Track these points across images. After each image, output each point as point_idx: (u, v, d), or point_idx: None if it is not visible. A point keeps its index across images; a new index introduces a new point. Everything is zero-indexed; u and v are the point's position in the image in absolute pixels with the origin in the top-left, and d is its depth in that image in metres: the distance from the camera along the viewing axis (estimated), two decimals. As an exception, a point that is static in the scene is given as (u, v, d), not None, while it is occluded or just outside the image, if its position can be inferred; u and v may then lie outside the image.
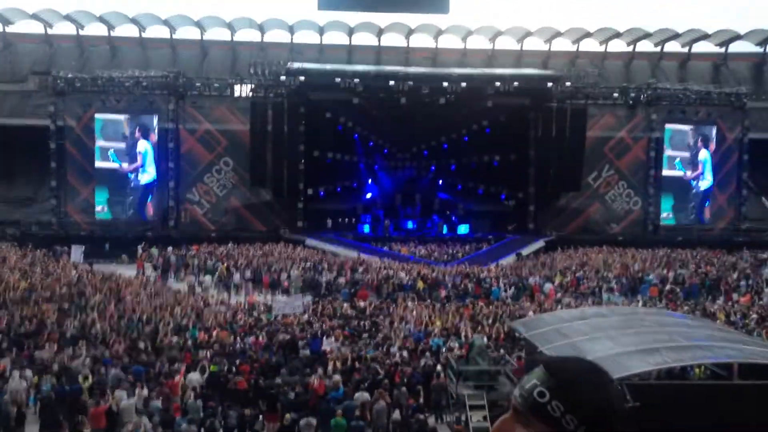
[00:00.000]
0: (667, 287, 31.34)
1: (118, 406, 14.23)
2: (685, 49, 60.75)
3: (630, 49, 61.39)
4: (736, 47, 60.29)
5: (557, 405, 1.63)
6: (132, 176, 42.88)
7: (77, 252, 35.37)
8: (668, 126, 45.53)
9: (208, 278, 32.16)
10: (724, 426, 11.69)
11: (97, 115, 42.02)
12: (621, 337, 15.60)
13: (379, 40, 60.46)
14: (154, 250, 36.56)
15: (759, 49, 60.20)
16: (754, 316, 24.44)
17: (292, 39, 59.49)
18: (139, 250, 36.29)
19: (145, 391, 15.14)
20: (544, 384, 1.66)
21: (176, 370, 16.68)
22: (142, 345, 18.65)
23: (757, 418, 12.11)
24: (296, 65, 44.31)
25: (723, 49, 60.13)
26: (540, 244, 42.05)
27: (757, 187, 48.30)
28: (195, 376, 16.41)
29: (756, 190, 48.50)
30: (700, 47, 60.75)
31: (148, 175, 42.93)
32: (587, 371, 1.70)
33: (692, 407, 12.39)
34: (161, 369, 16.86)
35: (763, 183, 48.13)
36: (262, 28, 58.80)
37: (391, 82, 42.69)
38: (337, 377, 16.58)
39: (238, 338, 20.36)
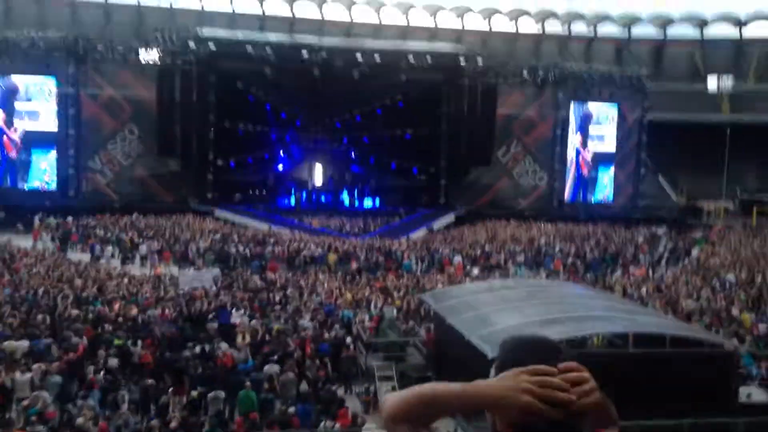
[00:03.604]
0: (570, 261, 32.55)
1: (13, 380, 13.57)
2: (591, 33, 62.75)
3: (539, 30, 62.83)
4: (638, 31, 62.81)
5: None
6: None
7: None
8: (574, 105, 46.93)
9: (110, 249, 30.99)
10: (620, 393, 12.23)
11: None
12: (526, 308, 16.11)
13: (292, 10, 59.44)
14: (52, 220, 34.84)
15: (659, 34, 62.87)
16: (646, 288, 25.65)
17: (202, 5, 57.68)
18: (36, 221, 34.48)
19: (43, 366, 14.47)
20: None
21: (77, 344, 16.00)
22: (39, 318, 17.77)
23: (649, 385, 12.76)
24: (206, 32, 42.90)
25: (626, 33, 62.51)
26: (450, 218, 42.78)
27: (654, 166, 50.64)
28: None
29: (654, 169, 50.86)
30: (605, 30, 62.92)
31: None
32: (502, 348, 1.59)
33: (593, 375, 12.90)
34: (60, 343, 16.14)
35: (660, 162, 50.49)
36: (170, -8, 56.74)
37: (305, 54, 41.99)
38: (245, 350, 16.39)
39: (143, 311, 19.70)
